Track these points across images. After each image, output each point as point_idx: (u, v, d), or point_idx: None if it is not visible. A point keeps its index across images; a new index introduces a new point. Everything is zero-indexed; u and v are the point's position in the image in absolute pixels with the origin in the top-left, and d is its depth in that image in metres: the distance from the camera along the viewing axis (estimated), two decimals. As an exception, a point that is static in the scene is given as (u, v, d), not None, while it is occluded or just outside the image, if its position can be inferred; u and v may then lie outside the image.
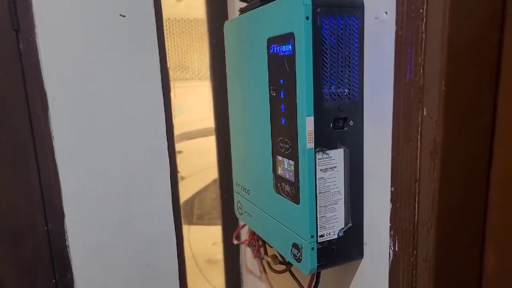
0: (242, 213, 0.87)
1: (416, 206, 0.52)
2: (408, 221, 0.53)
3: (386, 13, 0.54)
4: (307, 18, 0.54)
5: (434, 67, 0.47)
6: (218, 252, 2.50)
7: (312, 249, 0.60)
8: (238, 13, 0.93)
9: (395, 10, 0.51)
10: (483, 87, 0.49)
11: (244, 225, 0.99)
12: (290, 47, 0.58)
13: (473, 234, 0.53)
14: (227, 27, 0.83)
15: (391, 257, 0.56)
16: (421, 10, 0.48)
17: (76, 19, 0.71)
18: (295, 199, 0.62)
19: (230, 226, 1.13)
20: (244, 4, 0.78)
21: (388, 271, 0.58)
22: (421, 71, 0.49)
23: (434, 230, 0.50)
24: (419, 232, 0.52)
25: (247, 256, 1.12)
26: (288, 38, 0.58)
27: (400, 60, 0.51)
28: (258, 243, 0.93)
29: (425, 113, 0.49)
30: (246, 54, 0.74)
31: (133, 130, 0.76)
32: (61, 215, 0.84)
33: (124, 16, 0.69)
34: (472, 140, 0.50)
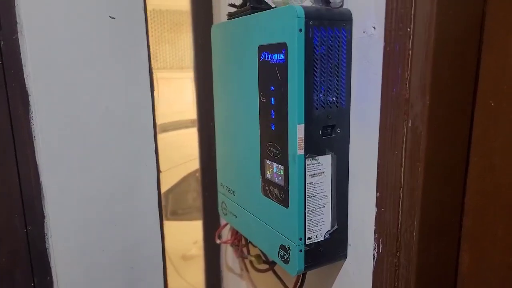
0: (226, 213, 0.89)
1: (400, 210, 0.55)
2: (392, 224, 0.57)
3: (374, 28, 0.57)
4: (300, 30, 0.56)
5: (420, 82, 0.51)
6: (193, 248, 2.49)
7: (300, 251, 0.63)
8: (224, 13, 0.94)
9: (384, 26, 0.54)
10: (462, 101, 0.53)
11: (226, 224, 1.01)
12: (283, 56, 0.60)
13: (451, 236, 0.57)
14: (215, 30, 0.84)
15: (375, 258, 0.60)
16: (408, 29, 0.51)
17: (64, 20, 0.70)
18: (284, 202, 0.64)
19: (211, 224, 1.14)
20: (232, 9, 0.79)
21: (371, 271, 0.61)
22: (407, 86, 0.52)
23: (417, 233, 0.54)
24: (402, 235, 0.56)
25: (228, 255, 1.14)
26: (281, 47, 0.60)
27: (387, 74, 0.54)
28: (241, 242, 0.95)
29: (410, 125, 0.53)
30: (235, 58, 0.76)
31: (120, 131, 0.75)
32: (41, 216, 0.82)
33: (114, 18, 0.68)
34: (451, 150, 0.54)
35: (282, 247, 0.66)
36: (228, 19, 0.79)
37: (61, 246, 0.76)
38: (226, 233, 1.04)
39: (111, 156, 0.75)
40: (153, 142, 0.77)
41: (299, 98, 0.58)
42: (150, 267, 0.80)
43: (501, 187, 0.52)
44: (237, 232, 0.94)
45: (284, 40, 0.59)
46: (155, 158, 0.78)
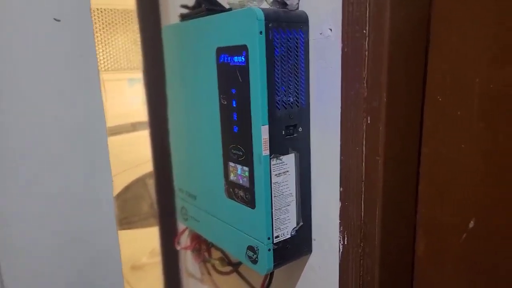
0: (187, 219, 0.87)
1: (363, 203, 0.58)
2: (356, 217, 0.59)
3: (331, 30, 0.59)
4: (261, 32, 0.57)
5: (377, 81, 0.54)
6: (143, 257, 2.40)
7: (269, 250, 0.64)
8: (173, 14, 0.91)
9: (341, 28, 0.56)
10: (414, 97, 0.58)
11: (184, 230, 0.99)
12: (243, 58, 0.60)
13: (408, 223, 0.62)
14: (167, 31, 0.82)
15: (341, 250, 0.62)
16: (364, 31, 0.54)
17: (3, 24, 0.63)
18: (251, 203, 0.65)
19: (167, 231, 1.11)
20: (184, 10, 0.78)
21: (337, 262, 0.64)
22: (365, 85, 0.55)
23: (379, 223, 0.57)
24: (366, 226, 0.59)
25: (188, 261, 1.12)
26: (241, 50, 0.60)
27: (346, 74, 0.57)
28: (202, 247, 0.94)
29: (369, 121, 0.56)
30: (190, 60, 0.74)
31: (72, 140, 0.70)
32: (-18, 238, 0.74)
33: (59, 21, 0.63)
34: (406, 144, 0.58)
35: (250, 247, 0.66)
36: (180, 21, 0.78)
37: (11, 273, 0.69)
38: (184, 240, 1.01)
39: (63, 168, 0.70)
40: (107, 150, 0.73)
41: (262, 99, 0.59)
42: (110, 281, 0.76)
43: (448, 176, 0.57)
44: (198, 237, 0.93)
45: (245, 42, 0.59)
46: (109, 166, 0.74)
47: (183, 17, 0.77)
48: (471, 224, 0.55)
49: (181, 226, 1.06)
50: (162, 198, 1.10)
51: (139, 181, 2.46)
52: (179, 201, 0.89)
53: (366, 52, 0.54)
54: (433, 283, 0.62)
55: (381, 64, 0.53)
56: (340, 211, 0.62)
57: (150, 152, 1.05)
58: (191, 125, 0.79)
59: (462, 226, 0.56)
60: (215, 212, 0.75)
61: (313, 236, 0.69)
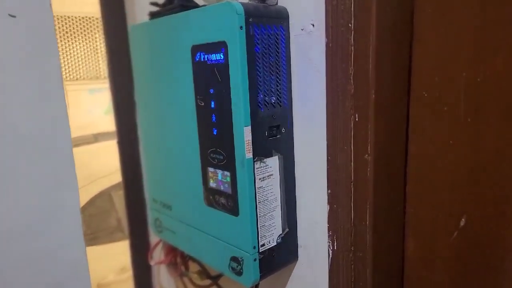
0: (161, 231, 0.81)
1: (352, 205, 0.56)
2: (346, 220, 0.57)
3: (313, 25, 0.57)
4: (241, 27, 0.54)
5: (364, 77, 0.52)
6: (109, 274, 2.28)
7: (255, 260, 0.60)
8: (140, 15, 0.86)
9: (325, 23, 0.54)
10: (400, 93, 0.56)
11: (158, 243, 0.93)
12: (222, 55, 0.56)
13: (397, 224, 0.60)
14: (135, 31, 0.76)
15: (331, 256, 0.59)
16: (349, 25, 0.52)
17: None
18: (233, 211, 0.61)
19: (138, 245, 1.04)
20: (153, 8, 0.73)
21: (327, 269, 0.61)
22: (352, 81, 0.53)
23: (370, 225, 0.55)
24: (356, 229, 0.56)
25: (161, 276, 1.05)
26: (219, 46, 0.56)
27: (331, 71, 0.54)
28: (177, 260, 0.89)
29: (357, 119, 0.53)
30: (162, 61, 0.70)
31: (34, 152, 0.63)
32: None
33: (15, 17, 0.56)
34: (394, 141, 0.57)
35: (234, 258, 0.62)
36: (150, 19, 0.73)
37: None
38: (157, 254, 0.95)
39: (24, 183, 0.62)
40: (73, 162, 0.66)
41: (244, 99, 0.55)
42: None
43: (437, 173, 0.56)
44: (173, 249, 0.87)
45: (223, 38, 0.56)
46: (76, 179, 0.67)
47: (153, 15, 0.72)
48: (462, 222, 0.54)
49: (154, 239, 0.99)
50: (132, 210, 1.03)
51: (104, 194, 2.35)
52: (152, 212, 0.83)
53: (352, 47, 0.52)
54: (424, 283, 0.60)
55: (369, 59, 0.51)
56: (328, 214, 0.59)
57: (118, 161, 0.98)
58: (165, 130, 0.73)
59: (453, 224, 0.55)
60: (194, 222, 0.70)
61: (299, 242, 0.65)
